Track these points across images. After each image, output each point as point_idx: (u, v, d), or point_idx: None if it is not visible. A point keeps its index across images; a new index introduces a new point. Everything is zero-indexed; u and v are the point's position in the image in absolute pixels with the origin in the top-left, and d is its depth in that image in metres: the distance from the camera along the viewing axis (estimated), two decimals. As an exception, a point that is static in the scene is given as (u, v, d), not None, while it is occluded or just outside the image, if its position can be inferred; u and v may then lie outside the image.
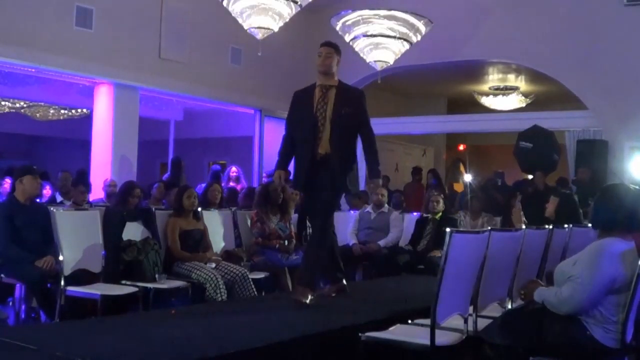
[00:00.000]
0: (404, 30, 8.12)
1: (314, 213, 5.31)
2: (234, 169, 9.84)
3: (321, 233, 5.07)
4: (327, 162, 4.95)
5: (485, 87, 14.00)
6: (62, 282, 5.00)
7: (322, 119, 4.96)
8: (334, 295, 5.22)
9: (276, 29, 7.30)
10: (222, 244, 6.45)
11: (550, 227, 4.68)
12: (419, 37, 8.38)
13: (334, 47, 5.09)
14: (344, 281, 5.36)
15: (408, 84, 13.67)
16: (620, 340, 3.17)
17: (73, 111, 12.63)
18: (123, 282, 5.35)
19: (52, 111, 12.70)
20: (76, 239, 5.27)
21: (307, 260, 5.07)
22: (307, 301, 4.70)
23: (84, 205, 7.11)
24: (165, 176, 10.14)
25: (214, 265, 5.80)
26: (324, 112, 4.96)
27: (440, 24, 9.21)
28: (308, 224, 7.22)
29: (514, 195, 8.53)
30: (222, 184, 9.18)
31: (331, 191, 5.04)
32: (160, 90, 10.24)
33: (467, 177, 10.52)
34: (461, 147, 16.62)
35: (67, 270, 5.09)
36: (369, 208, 8.12)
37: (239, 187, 9.04)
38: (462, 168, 12.42)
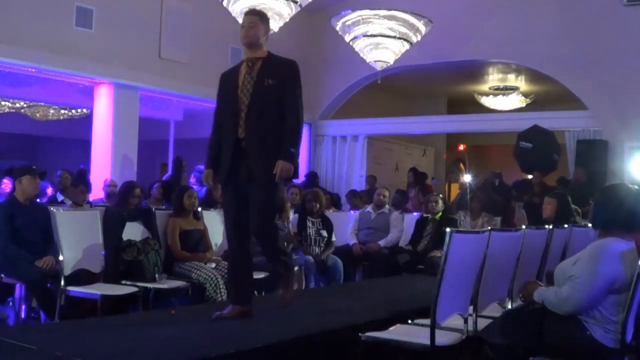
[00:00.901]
0: (404, 30, 8.14)
1: (238, 215, 4.22)
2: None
3: (263, 240, 4.30)
4: (247, 147, 4.13)
5: (485, 87, 14.01)
6: (62, 282, 5.00)
7: (246, 97, 4.14)
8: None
9: (276, 29, 7.31)
10: (222, 244, 6.45)
11: (550, 227, 4.68)
12: (419, 37, 8.39)
13: (259, 14, 4.39)
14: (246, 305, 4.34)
15: (408, 84, 13.67)
16: (620, 340, 3.17)
17: (73, 111, 12.61)
18: (123, 282, 5.35)
19: (52, 111, 12.67)
20: (76, 239, 5.27)
21: (272, 270, 5.01)
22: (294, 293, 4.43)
23: (84, 205, 7.11)
24: (166, 176, 10.13)
25: (214, 265, 5.81)
26: (250, 89, 4.16)
27: (441, 24, 9.22)
28: (309, 223, 7.23)
29: (513, 196, 8.52)
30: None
31: (255, 186, 4.10)
32: (160, 90, 10.24)
33: (467, 177, 10.51)
34: (461, 147, 16.61)
35: (67, 270, 5.09)
36: (369, 208, 8.13)
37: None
38: (462, 168, 12.40)
